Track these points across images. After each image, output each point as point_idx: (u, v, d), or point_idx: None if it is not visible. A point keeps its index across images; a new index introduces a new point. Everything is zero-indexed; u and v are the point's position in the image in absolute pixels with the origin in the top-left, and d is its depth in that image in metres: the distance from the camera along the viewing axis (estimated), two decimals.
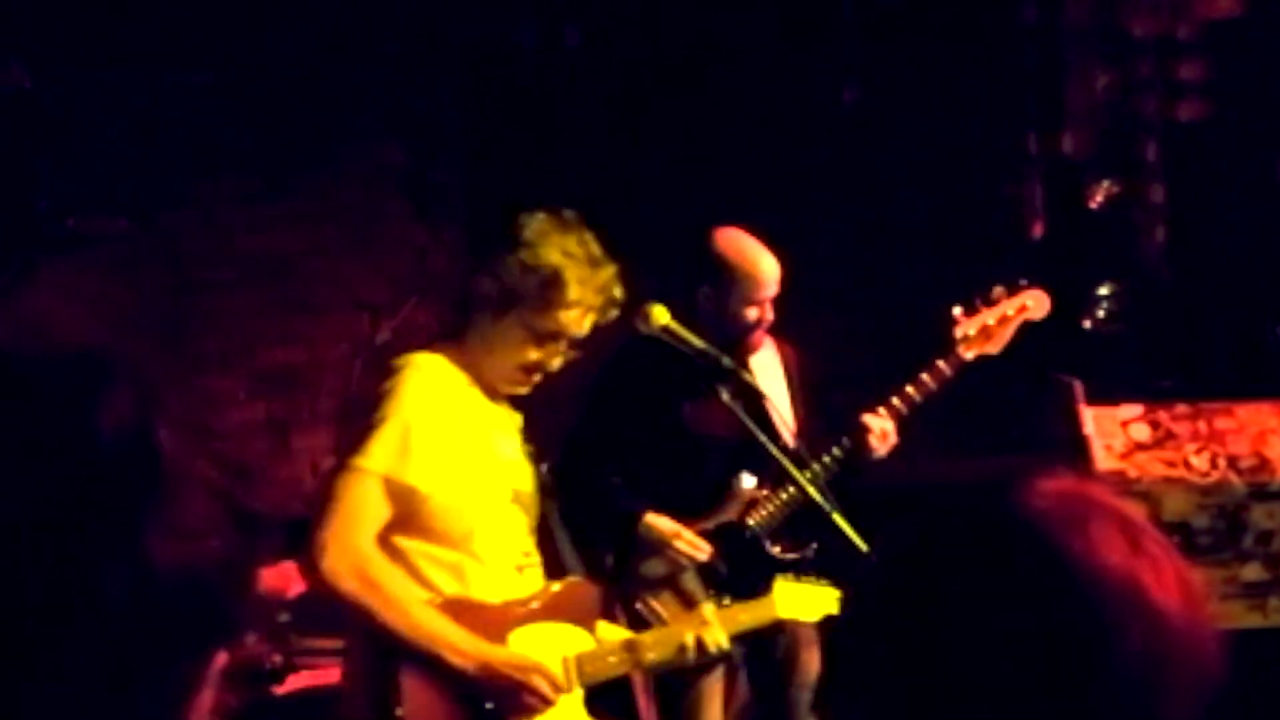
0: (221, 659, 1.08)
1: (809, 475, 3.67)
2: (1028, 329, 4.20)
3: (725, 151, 5.86)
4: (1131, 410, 4.72)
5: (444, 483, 3.13)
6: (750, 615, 3.57)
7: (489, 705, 3.13)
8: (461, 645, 3.10)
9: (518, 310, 3.19)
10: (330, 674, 4.73)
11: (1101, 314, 4.82)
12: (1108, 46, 5.65)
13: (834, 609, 3.68)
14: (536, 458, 3.43)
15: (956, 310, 4.10)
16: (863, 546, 3.29)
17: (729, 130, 5.88)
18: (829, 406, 4.32)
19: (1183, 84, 5.62)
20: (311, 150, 5.91)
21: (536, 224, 3.22)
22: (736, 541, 4.04)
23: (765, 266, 4.05)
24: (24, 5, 5.50)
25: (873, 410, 4.02)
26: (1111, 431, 4.67)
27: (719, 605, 3.58)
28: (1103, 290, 4.72)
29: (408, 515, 3.12)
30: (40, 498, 0.98)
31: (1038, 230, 5.57)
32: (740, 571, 4.00)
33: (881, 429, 3.98)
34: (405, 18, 5.89)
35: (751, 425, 3.53)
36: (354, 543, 3.04)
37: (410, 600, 3.09)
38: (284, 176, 5.90)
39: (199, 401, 5.62)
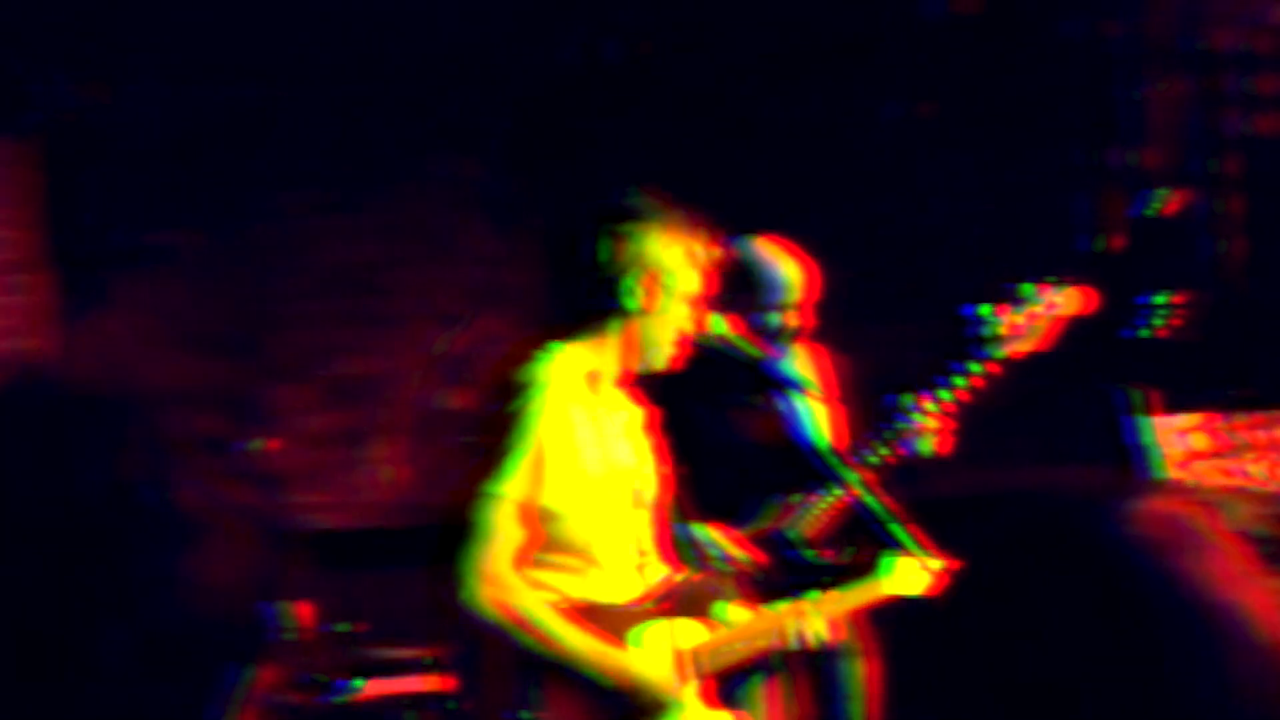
0: (263, 680, 1.12)
1: (854, 476, 3.70)
2: (1081, 334, 4.20)
3: (766, 163, 5.90)
4: (1190, 419, 4.72)
5: (572, 499, 3.22)
6: (856, 597, 3.53)
7: (620, 707, 3.24)
8: (593, 656, 3.20)
9: (662, 285, 3.24)
10: (403, 683, 4.83)
11: (1160, 323, 4.82)
12: (1189, 59, 5.65)
13: (934, 579, 3.62)
14: (659, 452, 3.47)
15: (987, 309, 4.10)
16: (915, 550, 3.32)
17: (770, 143, 5.92)
18: (875, 412, 4.34)
19: (1263, 97, 5.63)
20: (387, 162, 6.00)
21: (638, 202, 3.29)
22: (779, 548, 4.07)
23: (789, 272, 4.11)
24: (100, 20, 5.62)
25: (915, 414, 4.04)
26: (1170, 440, 4.68)
27: (810, 598, 3.57)
28: (1161, 299, 4.71)
29: (538, 531, 3.21)
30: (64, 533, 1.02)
31: (1107, 242, 5.57)
32: (782, 578, 4.02)
33: (926, 430, 4.01)
34: (457, 34, 5.96)
35: (794, 430, 3.57)
36: (493, 571, 3.15)
37: (546, 619, 3.19)
38: (359, 188, 5.99)
39: (273, 411, 5.74)
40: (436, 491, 5.87)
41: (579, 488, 3.22)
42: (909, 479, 4.01)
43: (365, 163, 5.99)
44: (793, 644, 3.40)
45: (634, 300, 3.25)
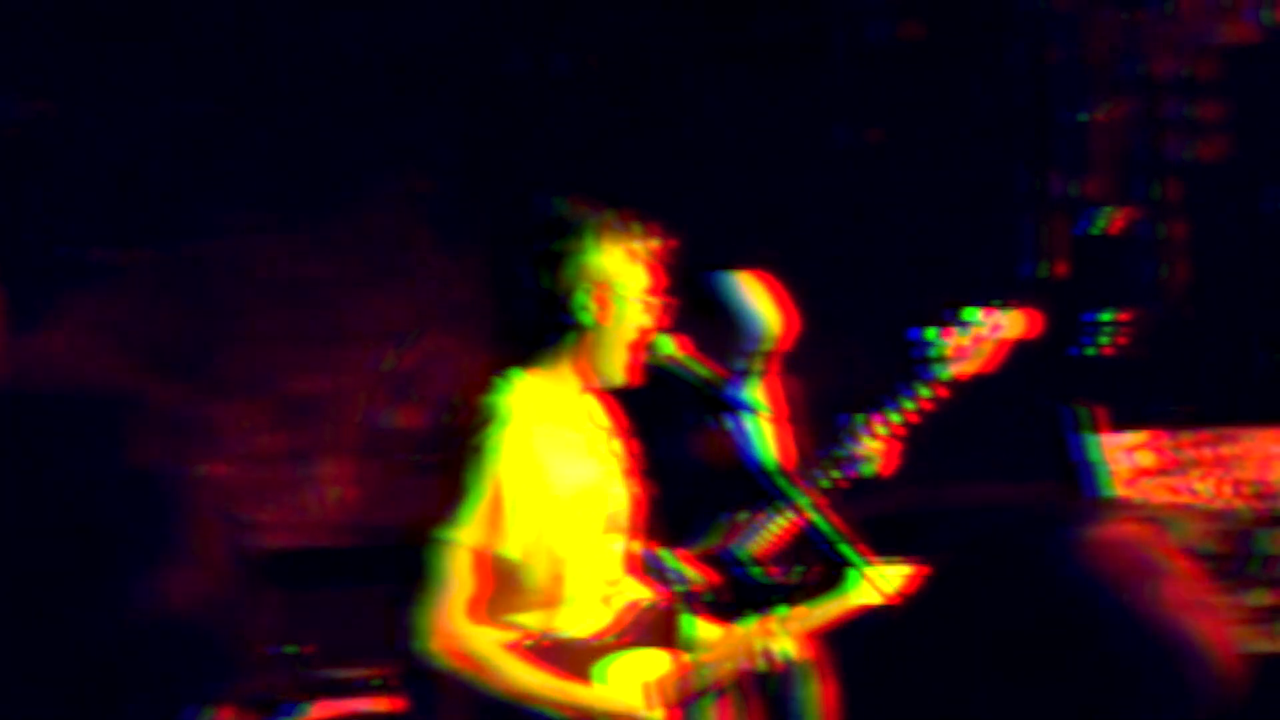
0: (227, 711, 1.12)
1: (804, 497, 3.71)
2: (1028, 353, 4.24)
3: (713, 181, 5.91)
4: (1137, 437, 4.76)
5: (535, 543, 3.14)
6: (811, 619, 3.52)
7: None
8: (553, 695, 3.14)
9: (613, 292, 3.19)
10: (353, 705, 4.80)
11: (1105, 341, 4.86)
12: (1131, 84, 5.71)
13: (896, 587, 3.64)
14: (629, 472, 3.42)
15: (932, 332, 4.14)
16: (862, 569, 3.32)
17: (718, 161, 5.93)
18: (823, 433, 4.36)
19: (1203, 122, 5.69)
20: (334, 178, 5.98)
21: (570, 213, 3.23)
22: (728, 567, 4.07)
23: (769, 315, 4.11)
24: (47, 36, 5.59)
25: (864, 435, 4.06)
26: (1117, 458, 4.71)
27: (777, 615, 3.56)
28: (1106, 318, 4.75)
29: (494, 577, 3.13)
30: (57, 530, 1.03)
31: (1052, 262, 5.61)
32: (732, 597, 4.02)
33: (874, 451, 4.03)
34: (404, 48, 5.95)
35: (745, 450, 3.57)
36: (446, 623, 3.07)
37: (503, 664, 3.12)
38: (306, 204, 5.97)
39: (220, 429, 5.70)
40: (384, 511, 5.88)
41: (544, 524, 3.14)
42: (858, 497, 4.02)
43: (312, 179, 5.96)
44: (761, 664, 3.37)
45: (588, 315, 3.20)
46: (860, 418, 4.04)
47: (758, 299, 4.12)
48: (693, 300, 4.04)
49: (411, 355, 5.93)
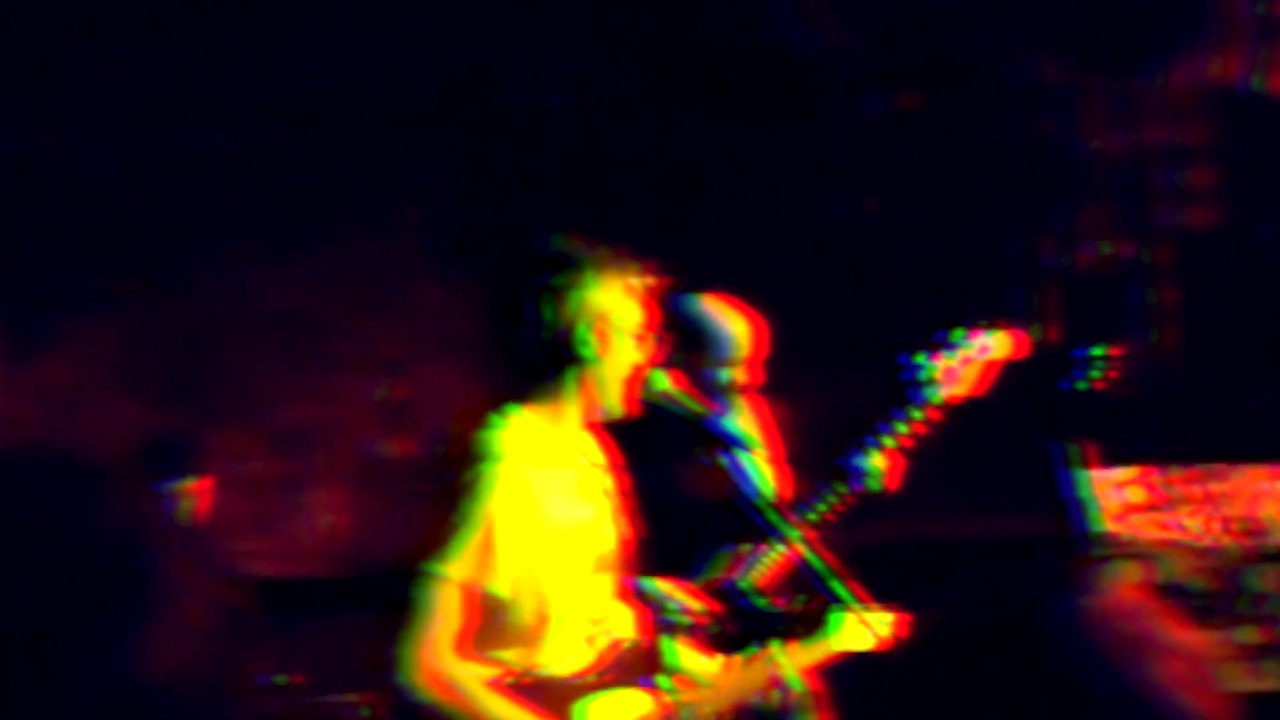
0: None
1: (798, 532, 3.73)
2: (1018, 386, 4.26)
3: (706, 212, 5.93)
4: (1126, 473, 4.78)
5: (524, 582, 3.14)
6: (806, 655, 3.52)
7: None
8: None
9: (611, 327, 3.21)
10: None
11: (1095, 376, 4.88)
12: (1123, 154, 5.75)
13: (887, 632, 3.66)
14: (622, 511, 3.43)
15: (920, 355, 4.16)
16: (850, 602, 3.33)
17: (711, 192, 5.96)
18: (817, 459, 4.37)
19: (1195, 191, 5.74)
20: (329, 208, 6.00)
21: (568, 250, 3.24)
22: (731, 599, 4.08)
23: (737, 328, 4.14)
24: (42, 65, 5.61)
25: (865, 452, 4.07)
26: (1107, 494, 4.73)
27: (777, 649, 3.56)
28: (1096, 352, 4.77)
29: (482, 613, 3.13)
30: (33, 591, 1.02)
31: (1042, 295, 5.64)
32: (735, 630, 4.03)
33: (877, 468, 4.04)
34: (399, 79, 5.97)
35: (739, 485, 3.58)
36: (431, 657, 3.06)
37: (487, 701, 3.11)
38: (300, 234, 5.99)
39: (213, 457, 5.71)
40: (376, 540, 5.89)
41: (534, 562, 3.14)
42: (852, 525, 4.03)
43: (306, 209, 5.99)
44: (770, 698, 3.37)
45: (589, 349, 3.22)
46: (859, 438, 4.07)
47: (725, 317, 4.16)
48: (666, 322, 4.07)
49: (404, 385, 5.95)
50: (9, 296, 5.70)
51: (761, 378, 4.19)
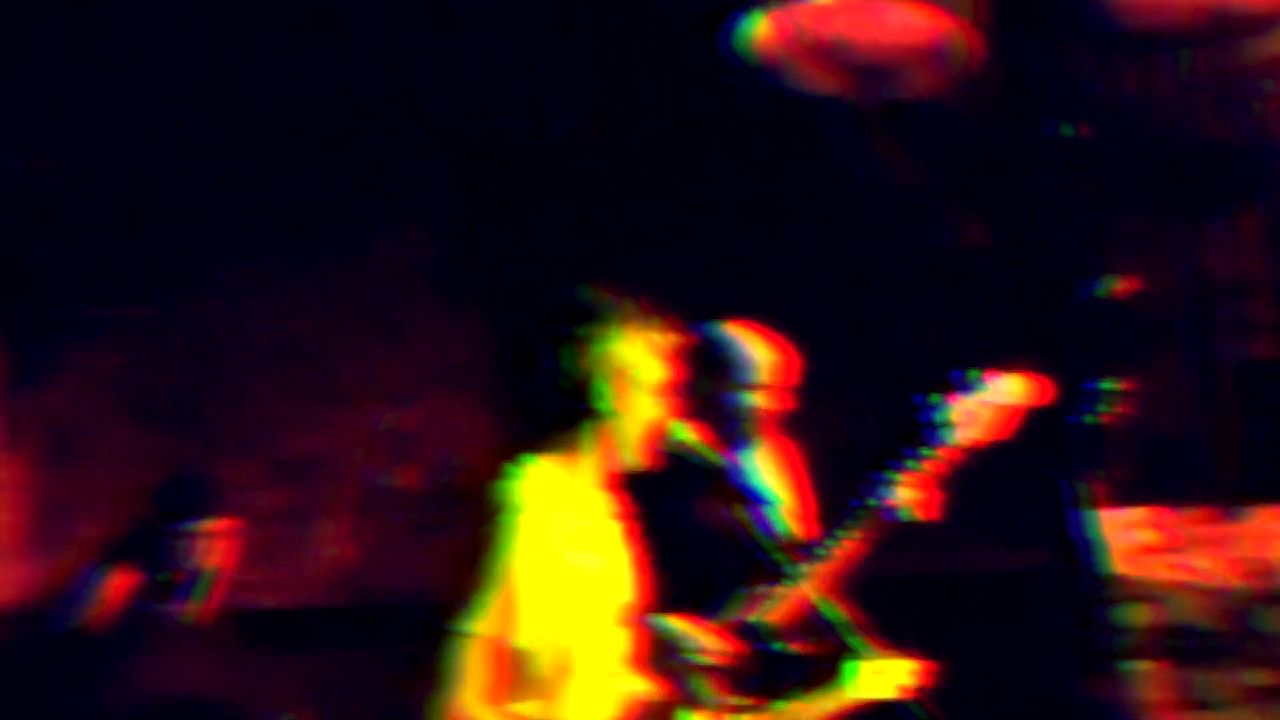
0: None
1: (812, 571, 3.72)
2: (1030, 420, 4.24)
3: (717, 243, 5.92)
4: (1138, 513, 4.77)
5: (547, 634, 3.14)
6: (822, 705, 3.51)
7: None
8: None
9: (630, 381, 3.20)
10: None
11: (1105, 410, 4.88)
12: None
13: (907, 680, 3.63)
14: (638, 562, 3.42)
15: (937, 396, 4.14)
16: (866, 650, 3.32)
17: (724, 222, 5.94)
18: (839, 491, 4.36)
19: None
20: (334, 236, 6.00)
21: (592, 301, 3.23)
22: (748, 639, 4.07)
23: (761, 354, 4.13)
24: (47, 92, 5.61)
25: (896, 483, 4.05)
26: (1118, 534, 4.72)
27: (779, 703, 3.56)
28: (1106, 386, 4.76)
29: (510, 665, 3.13)
30: None
31: (1057, 328, 5.62)
32: (754, 669, 4.02)
33: (910, 499, 4.02)
34: (405, 105, 5.97)
35: (757, 533, 3.57)
36: (462, 710, 3.06)
37: None
38: (306, 262, 5.98)
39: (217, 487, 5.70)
40: (381, 571, 5.87)
41: (555, 621, 3.14)
42: (864, 559, 4.01)
43: (312, 236, 5.98)
44: None
45: (605, 403, 3.21)
46: (890, 471, 4.05)
47: (750, 343, 4.15)
48: (688, 352, 4.06)
49: (409, 415, 5.94)
50: (14, 323, 5.69)
51: (788, 405, 4.17)
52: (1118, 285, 5.41)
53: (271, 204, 5.91)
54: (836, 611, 3.47)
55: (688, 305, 4.14)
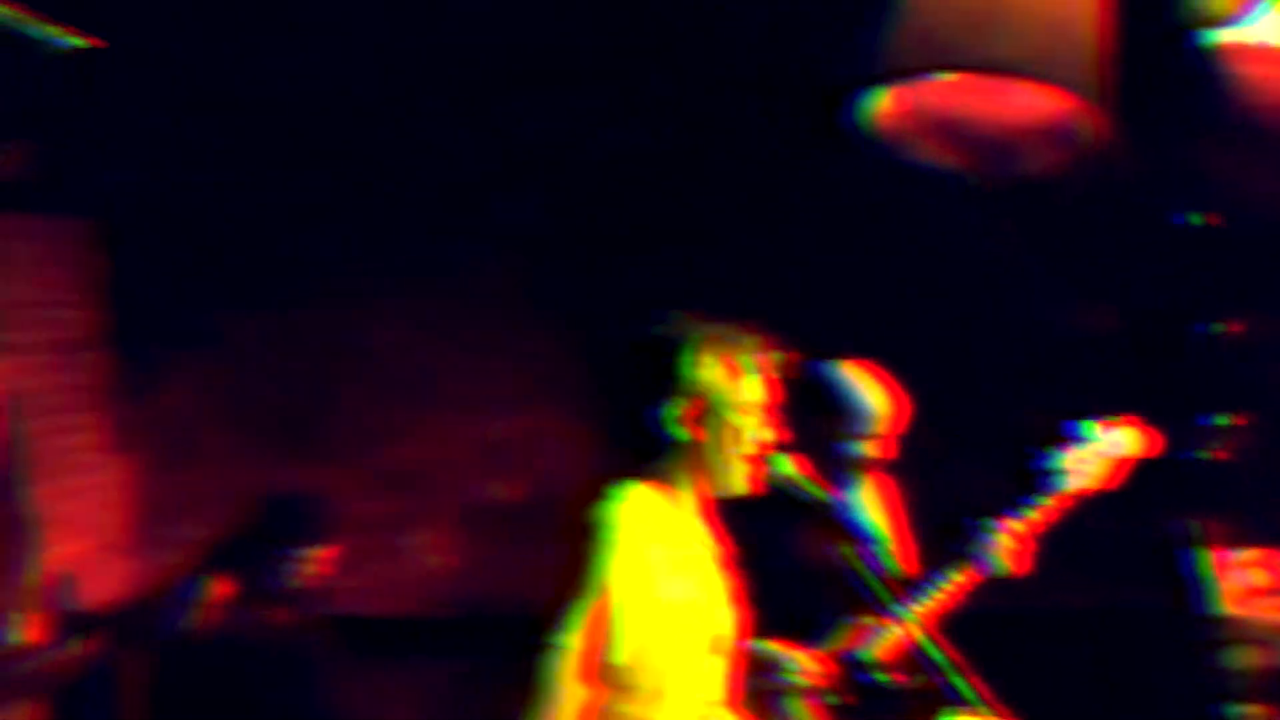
0: None
1: (916, 609, 3.70)
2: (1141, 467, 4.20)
3: (822, 273, 5.87)
4: (1250, 554, 4.69)
5: (641, 651, 3.15)
6: None
7: None
8: None
9: (710, 408, 3.20)
10: None
11: (1218, 446, 4.79)
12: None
13: None
14: (736, 593, 3.41)
15: (1050, 447, 4.12)
16: (968, 696, 3.29)
17: (826, 251, 5.88)
18: (943, 537, 4.33)
19: None
20: (442, 250, 6.02)
21: (685, 328, 3.23)
22: (851, 671, 4.04)
23: (877, 401, 4.08)
24: (165, 104, 5.66)
25: (992, 534, 4.02)
26: (1228, 575, 4.64)
27: None
28: (1220, 421, 4.69)
29: (603, 683, 3.14)
30: None
31: (1169, 367, 5.54)
32: (855, 701, 3.99)
33: (1004, 550, 3.99)
34: (505, 122, 5.97)
35: (858, 560, 3.55)
36: None
37: None
38: (411, 275, 6.02)
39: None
40: (480, 582, 5.89)
41: (651, 637, 3.15)
42: (980, 594, 3.98)
43: (420, 250, 6.01)
44: None
45: (682, 430, 3.21)
46: (987, 520, 4.02)
47: (866, 388, 4.10)
48: (799, 391, 4.02)
49: (511, 427, 5.96)
50: (131, 332, 5.78)
51: (894, 454, 4.13)
52: (1231, 324, 5.32)
53: (382, 219, 5.96)
54: (939, 651, 3.43)
55: (802, 339, 4.13)
